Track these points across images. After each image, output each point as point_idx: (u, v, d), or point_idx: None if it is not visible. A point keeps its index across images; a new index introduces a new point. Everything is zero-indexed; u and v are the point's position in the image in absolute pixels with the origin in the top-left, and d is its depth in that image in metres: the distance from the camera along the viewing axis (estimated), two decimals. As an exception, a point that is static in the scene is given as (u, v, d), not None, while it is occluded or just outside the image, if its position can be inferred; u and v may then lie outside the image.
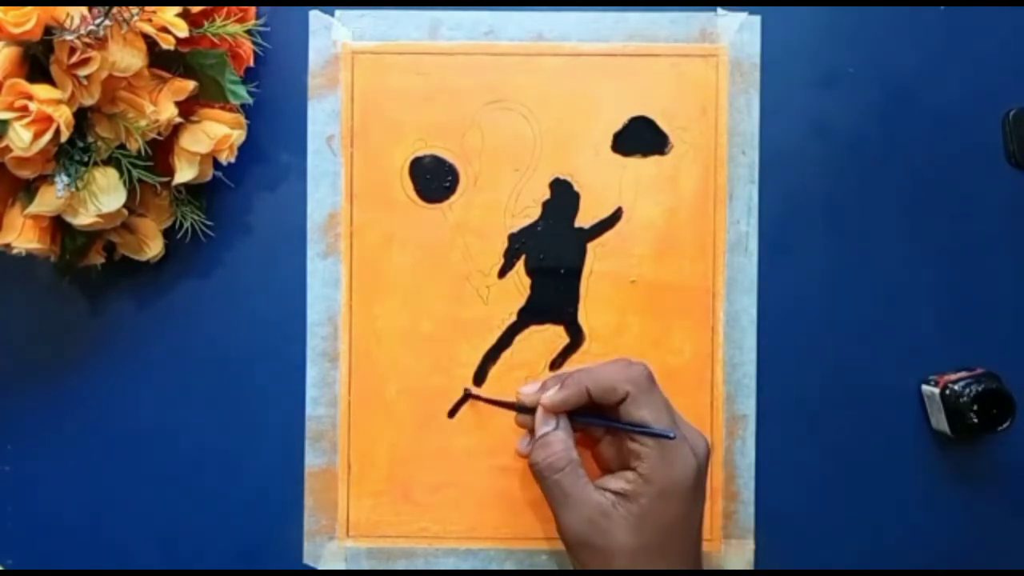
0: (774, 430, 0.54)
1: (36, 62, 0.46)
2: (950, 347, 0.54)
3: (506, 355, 0.54)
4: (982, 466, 0.55)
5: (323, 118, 0.54)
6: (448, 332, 0.54)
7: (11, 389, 0.54)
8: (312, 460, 0.54)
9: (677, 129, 0.54)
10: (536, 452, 0.47)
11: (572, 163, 0.54)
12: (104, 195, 0.47)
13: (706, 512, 0.49)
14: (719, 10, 0.54)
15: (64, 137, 0.45)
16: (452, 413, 0.54)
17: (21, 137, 0.44)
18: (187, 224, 0.52)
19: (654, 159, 0.54)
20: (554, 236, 0.54)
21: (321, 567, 0.54)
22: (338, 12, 0.54)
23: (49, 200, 0.47)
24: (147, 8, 0.45)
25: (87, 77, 0.44)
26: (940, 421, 0.53)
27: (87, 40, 0.43)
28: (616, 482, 0.46)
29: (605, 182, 0.54)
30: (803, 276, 0.54)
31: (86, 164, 0.47)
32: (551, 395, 0.48)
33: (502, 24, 0.54)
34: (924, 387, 0.54)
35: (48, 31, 0.44)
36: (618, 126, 0.54)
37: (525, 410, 0.49)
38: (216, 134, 0.49)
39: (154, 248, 0.52)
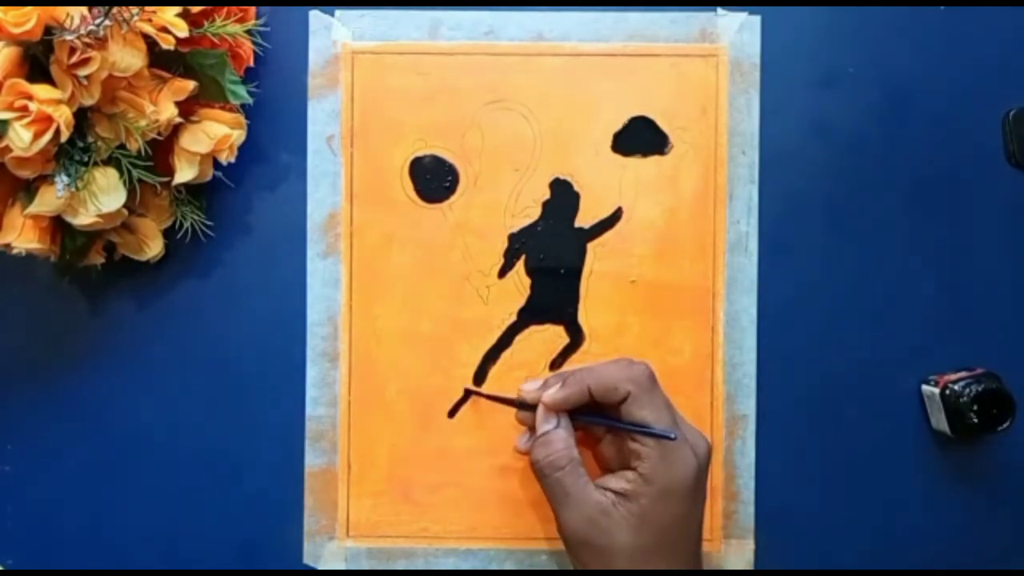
0: (774, 430, 0.54)
1: (36, 62, 0.46)
2: (950, 347, 0.54)
3: (506, 355, 0.54)
4: (982, 466, 0.55)
5: (323, 118, 0.54)
6: (448, 332, 0.54)
7: (11, 389, 0.54)
8: (312, 460, 0.54)
9: (677, 129, 0.54)
10: (537, 450, 0.47)
11: (572, 163, 0.54)
12: (104, 195, 0.47)
13: (706, 512, 0.49)
14: (719, 10, 0.54)
15: (64, 137, 0.45)
16: (452, 413, 0.54)
17: (21, 137, 0.44)
18: (187, 224, 0.52)
19: (654, 159, 0.54)
20: (554, 236, 0.54)
21: (321, 567, 0.54)
22: (338, 12, 0.54)
23: (49, 200, 0.47)
24: (147, 8, 0.45)
25: (87, 77, 0.44)
26: (940, 421, 0.53)
27: (87, 40, 0.43)
28: (616, 482, 0.46)
29: (605, 182, 0.54)
30: (803, 276, 0.54)
31: (86, 164, 0.47)
32: (552, 393, 0.48)
33: (502, 24, 0.54)
34: (924, 387, 0.54)
35: (48, 31, 0.44)
36: (618, 126, 0.54)
37: (526, 407, 0.49)
38: (216, 134, 0.49)
39: (154, 248, 0.52)
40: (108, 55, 0.44)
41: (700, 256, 0.54)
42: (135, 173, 0.48)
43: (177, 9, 0.47)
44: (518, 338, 0.54)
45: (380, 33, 0.54)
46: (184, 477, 0.54)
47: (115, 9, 0.44)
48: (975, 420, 0.51)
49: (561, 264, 0.54)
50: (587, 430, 0.50)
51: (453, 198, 0.54)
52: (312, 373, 0.54)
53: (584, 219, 0.54)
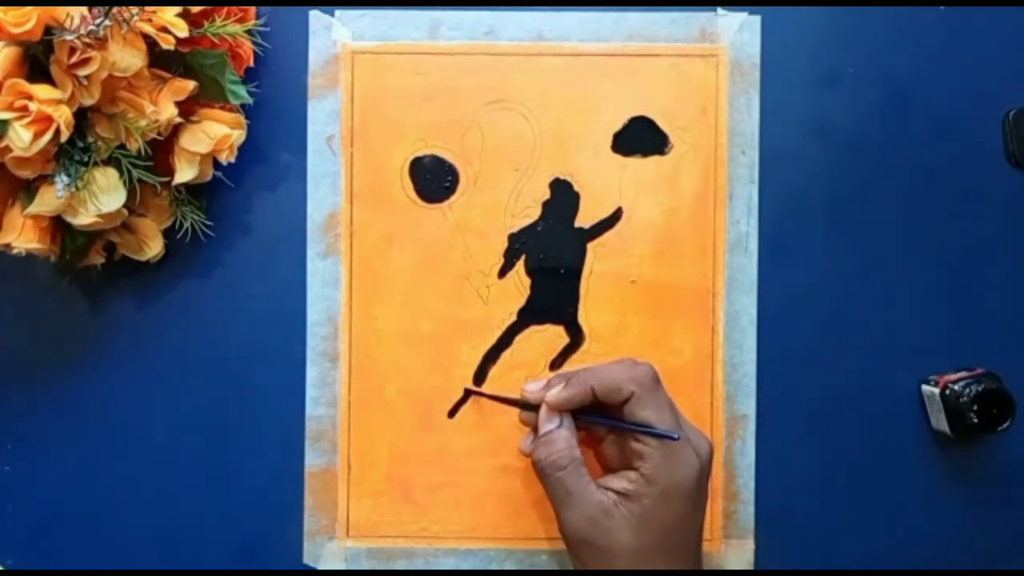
0: (774, 430, 0.54)
1: (36, 62, 0.46)
2: (950, 347, 0.54)
3: (506, 355, 0.54)
4: (982, 466, 0.55)
5: (323, 118, 0.54)
6: (448, 332, 0.54)
7: (11, 389, 0.54)
8: (312, 460, 0.54)
9: (677, 129, 0.54)
10: (539, 450, 0.47)
11: (572, 163, 0.54)
12: (104, 195, 0.47)
13: (706, 512, 0.49)
14: (719, 10, 0.54)
15: (64, 137, 0.45)
16: (452, 413, 0.54)
17: (21, 137, 0.44)
18: (187, 224, 0.52)
19: (654, 159, 0.54)
20: (554, 236, 0.54)
21: (321, 567, 0.54)
22: (338, 12, 0.54)
23: (49, 200, 0.47)
24: (147, 8, 0.45)
25: (87, 77, 0.44)
26: (940, 421, 0.53)
27: (87, 40, 0.43)
28: (618, 481, 0.46)
29: (605, 182, 0.54)
30: (803, 276, 0.54)
31: (86, 164, 0.47)
32: (555, 393, 0.48)
33: (502, 24, 0.54)
34: (924, 387, 0.54)
35: (48, 31, 0.44)
36: (618, 126, 0.54)
37: (529, 407, 0.49)
38: (216, 134, 0.49)
39: (154, 248, 0.52)
40: (108, 55, 0.44)
41: (700, 256, 0.54)
42: (135, 173, 0.48)
43: (177, 9, 0.47)
44: (518, 338, 0.54)
45: (380, 33, 0.54)
46: (184, 477, 0.54)
47: (115, 9, 0.44)
48: (975, 420, 0.51)
49: (561, 264, 0.54)
50: (589, 430, 0.50)
51: (453, 198, 0.54)
52: (312, 373, 0.54)
53: (584, 219, 0.54)
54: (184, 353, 0.54)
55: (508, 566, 0.54)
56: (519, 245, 0.54)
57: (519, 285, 0.54)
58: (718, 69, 0.54)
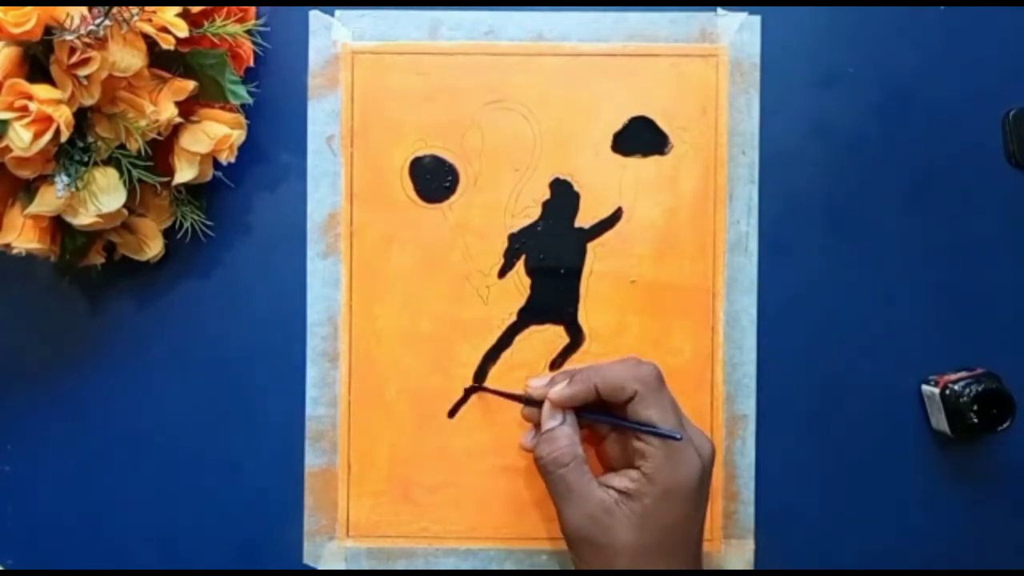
0: (774, 430, 0.54)
1: (36, 62, 0.46)
2: (950, 347, 0.54)
3: (506, 355, 0.54)
4: (982, 466, 0.55)
5: (323, 118, 0.54)
6: (448, 332, 0.54)
7: (11, 389, 0.54)
8: (312, 460, 0.54)
9: (677, 129, 0.54)
10: (541, 446, 0.47)
11: (572, 163, 0.54)
12: (104, 195, 0.47)
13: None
14: (719, 10, 0.54)
15: (64, 137, 0.45)
16: (452, 413, 0.54)
17: (21, 137, 0.44)
18: (187, 224, 0.52)
19: (654, 159, 0.54)
20: (554, 236, 0.54)
21: (321, 567, 0.54)
22: (338, 12, 0.54)
23: (49, 200, 0.47)
24: (147, 8, 0.45)
25: (87, 77, 0.44)
26: (940, 421, 0.53)
27: (87, 40, 0.43)
28: (620, 480, 0.46)
29: (605, 182, 0.54)
30: (803, 276, 0.54)
31: (86, 164, 0.47)
32: (559, 390, 0.48)
33: (502, 24, 0.54)
34: (924, 387, 0.54)
35: (48, 31, 0.44)
36: (618, 126, 0.54)
37: (532, 403, 0.49)
38: (216, 134, 0.49)
39: (154, 248, 0.52)
40: (108, 55, 0.44)
41: (700, 256, 0.54)
42: (135, 173, 0.48)
43: (177, 9, 0.47)
44: (518, 338, 0.54)
45: (380, 33, 0.54)
46: (184, 477, 0.54)
47: (115, 9, 0.44)
48: (975, 420, 0.51)
49: (561, 264, 0.54)
50: (592, 428, 0.50)
51: (453, 198, 0.54)
52: (312, 373, 0.54)
53: (584, 219, 0.54)
54: (184, 353, 0.54)
55: (508, 566, 0.54)
56: (519, 245, 0.54)
57: (519, 285, 0.54)
58: (718, 69, 0.54)
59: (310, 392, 0.54)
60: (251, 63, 0.52)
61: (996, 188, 0.55)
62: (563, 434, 0.47)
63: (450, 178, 0.54)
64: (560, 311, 0.54)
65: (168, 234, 0.53)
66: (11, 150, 0.45)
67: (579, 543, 0.46)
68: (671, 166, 0.54)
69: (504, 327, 0.54)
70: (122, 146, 0.48)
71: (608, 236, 0.54)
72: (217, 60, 0.49)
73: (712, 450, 0.47)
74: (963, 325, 0.55)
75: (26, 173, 0.47)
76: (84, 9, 0.44)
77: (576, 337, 0.54)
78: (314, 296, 0.54)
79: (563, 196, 0.54)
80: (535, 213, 0.54)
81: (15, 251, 0.49)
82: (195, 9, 0.48)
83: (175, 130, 0.49)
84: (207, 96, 0.50)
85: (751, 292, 0.54)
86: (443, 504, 0.54)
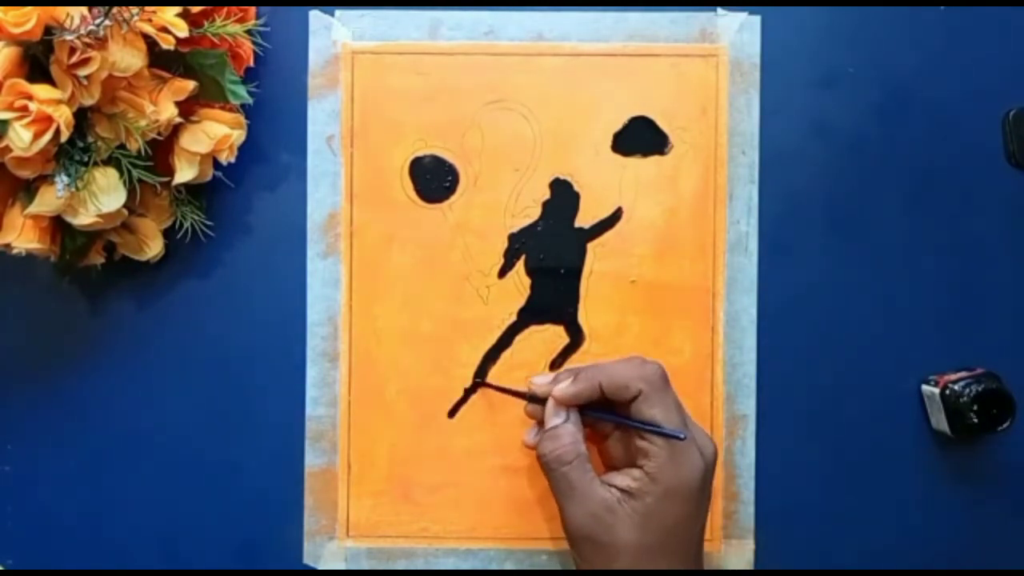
0: (774, 430, 0.54)
1: (36, 62, 0.46)
2: (950, 347, 0.54)
3: (506, 355, 0.54)
4: (982, 466, 0.55)
5: (323, 118, 0.54)
6: (448, 332, 0.54)
7: (11, 389, 0.54)
8: (312, 460, 0.54)
9: (677, 129, 0.54)
10: (544, 444, 0.47)
11: (572, 163, 0.54)
12: (104, 195, 0.47)
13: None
14: (719, 10, 0.54)
15: (64, 137, 0.45)
16: (452, 413, 0.54)
17: (21, 137, 0.44)
18: (187, 224, 0.52)
19: (654, 159, 0.54)
20: (554, 236, 0.54)
21: (321, 567, 0.54)
22: (338, 12, 0.54)
23: (49, 200, 0.47)
24: (147, 8, 0.45)
25: (87, 77, 0.44)
26: (940, 421, 0.53)
27: (87, 40, 0.43)
28: (623, 479, 0.46)
29: (605, 182, 0.54)
30: (803, 276, 0.54)
31: (86, 164, 0.47)
32: (563, 388, 0.48)
33: (502, 24, 0.54)
34: (924, 387, 0.54)
35: (48, 31, 0.44)
36: (618, 126, 0.54)
37: (536, 400, 0.49)
38: (216, 134, 0.49)
39: (154, 248, 0.52)
40: (108, 55, 0.44)
41: (700, 256, 0.54)
42: (135, 173, 0.48)
43: (177, 9, 0.47)
44: (518, 338, 0.54)
45: (380, 33, 0.54)
46: (184, 477, 0.54)
47: (115, 9, 0.44)
48: (975, 420, 0.51)
49: (561, 264, 0.54)
50: (595, 426, 0.50)
51: (453, 198, 0.54)
52: (312, 373, 0.54)
53: (584, 219, 0.54)
54: (184, 353, 0.54)
55: (508, 566, 0.54)
56: (519, 245, 0.54)
57: (519, 285, 0.54)
58: (718, 69, 0.54)
59: (310, 392, 0.54)
60: (251, 63, 0.52)
61: (996, 188, 0.55)
62: (566, 432, 0.47)
63: (450, 178, 0.54)
64: (560, 311, 0.54)
65: (168, 234, 0.53)
66: (11, 150, 0.45)
67: (581, 541, 0.46)
68: (671, 166, 0.54)
69: (504, 327, 0.54)
70: (122, 146, 0.48)
71: (608, 236, 0.54)
72: (217, 60, 0.49)
73: (715, 450, 0.48)
74: (963, 325, 0.55)
75: (26, 173, 0.47)
76: (84, 9, 0.44)
77: (576, 337, 0.54)
78: (314, 296, 0.54)
79: (563, 196, 0.54)
80: (535, 213, 0.54)
81: (15, 251, 0.49)
82: (195, 9, 0.48)
83: (175, 130, 0.49)
84: (207, 96, 0.50)
85: (751, 292, 0.54)
86: (443, 504, 0.54)
